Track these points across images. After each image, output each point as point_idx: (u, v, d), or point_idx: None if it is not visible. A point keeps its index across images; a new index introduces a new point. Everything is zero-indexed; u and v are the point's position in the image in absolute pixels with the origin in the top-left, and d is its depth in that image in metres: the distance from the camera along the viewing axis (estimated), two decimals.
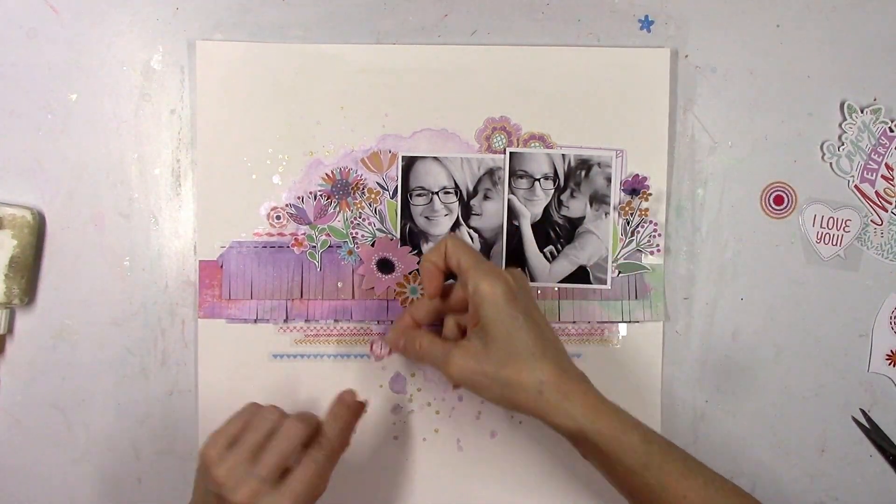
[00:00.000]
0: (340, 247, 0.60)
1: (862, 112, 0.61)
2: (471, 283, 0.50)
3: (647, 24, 0.61)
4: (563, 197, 0.60)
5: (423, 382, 0.61)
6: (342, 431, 0.51)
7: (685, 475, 0.49)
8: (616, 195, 0.61)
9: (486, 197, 0.60)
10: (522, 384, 0.48)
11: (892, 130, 0.61)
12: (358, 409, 0.53)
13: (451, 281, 0.55)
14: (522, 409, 0.49)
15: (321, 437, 0.50)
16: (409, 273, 0.60)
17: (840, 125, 0.61)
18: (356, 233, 0.60)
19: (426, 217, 0.60)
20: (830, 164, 0.62)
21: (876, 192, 0.62)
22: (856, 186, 0.62)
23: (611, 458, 0.49)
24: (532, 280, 0.60)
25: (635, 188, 0.61)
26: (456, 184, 0.60)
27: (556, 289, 0.61)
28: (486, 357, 0.49)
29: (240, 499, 0.46)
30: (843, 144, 0.61)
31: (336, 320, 0.60)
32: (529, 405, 0.49)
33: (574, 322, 0.61)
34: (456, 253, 0.51)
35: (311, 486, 0.48)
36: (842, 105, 0.61)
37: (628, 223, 0.61)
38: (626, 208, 0.61)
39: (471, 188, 0.60)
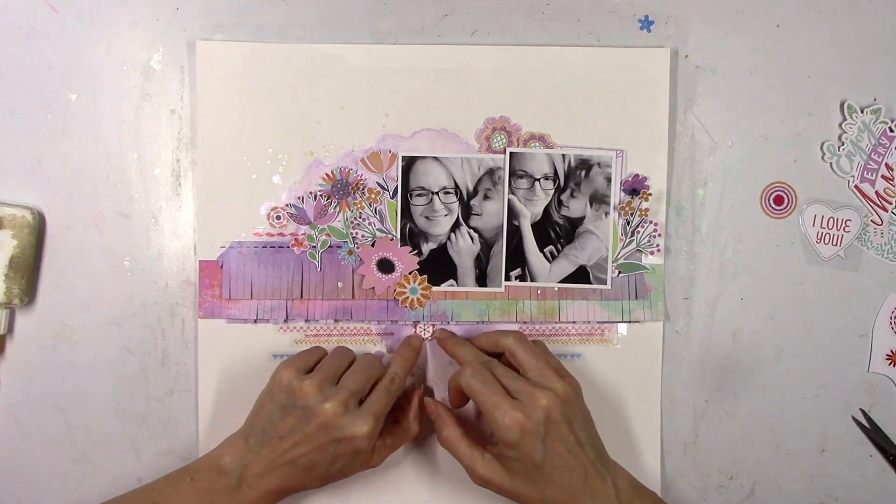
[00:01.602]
0: (340, 247, 0.60)
1: (862, 112, 0.61)
2: (489, 423, 0.51)
3: (647, 24, 0.61)
4: (563, 197, 0.60)
5: (424, 382, 0.61)
6: (408, 370, 0.56)
7: None
8: (616, 195, 0.61)
9: (486, 197, 0.60)
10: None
11: (892, 130, 0.61)
12: (419, 351, 0.59)
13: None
14: None
15: (393, 374, 0.55)
16: (409, 273, 0.60)
17: (840, 125, 0.61)
18: (356, 233, 0.60)
19: (426, 217, 0.60)
20: (830, 164, 0.62)
21: (876, 192, 0.62)
22: (856, 186, 0.62)
23: None
24: (532, 280, 0.60)
25: (635, 188, 0.61)
26: (456, 184, 0.60)
27: (556, 289, 0.61)
28: (508, 476, 0.52)
29: (330, 407, 0.50)
30: (843, 144, 0.61)
31: (336, 320, 0.60)
32: None
33: (574, 322, 0.61)
34: (471, 392, 0.52)
35: (385, 411, 0.53)
36: (842, 105, 0.61)
37: (628, 223, 0.61)
38: (626, 208, 0.61)
39: (471, 188, 0.60)
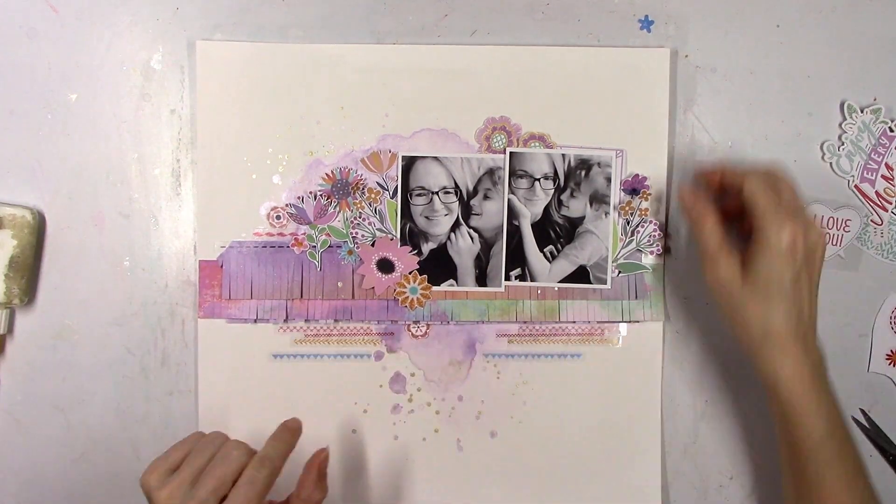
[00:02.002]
0: (340, 247, 0.60)
1: (862, 112, 0.61)
2: (762, 224, 0.51)
3: (647, 24, 0.60)
4: (563, 197, 0.60)
5: (424, 382, 0.61)
6: (283, 453, 0.50)
7: (848, 485, 0.51)
8: (616, 195, 0.61)
9: (486, 197, 0.60)
10: (752, 325, 0.52)
11: (892, 130, 0.61)
12: (298, 432, 0.52)
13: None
14: (740, 341, 0.53)
15: (262, 457, 0.49)
16: (409, 273, 0.60)
17: (840, 125, 0.61)
18: (356, 233, 0.60)
19: (426, 217, 0.60)
20: (830, 164, 0.62)
21: (876, 192, 0.62)
22: (856, 186, 0.62)
23: (787, 430, 0.52)
24: (532, 280, 0.60)
25: (635, 188, 0.61)
26: (456, 184, 0.60)
27: (556, 289, 0.61)
28: (742, 283, 0.52)
29: None
30: (843, 144, 0.61)
31: (336, 320, 0.60)
32: (745, 342, 0.53)
33: (574, 322, 0.61)
34: (754, 195, 0.52)
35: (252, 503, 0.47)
36: (842, 105, 0.61)
37: (628, 223, 0.61)
38: (626, 208, 0.61)
39: (471, 188, 0.60)
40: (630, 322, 0.61)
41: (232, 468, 0.48)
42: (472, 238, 0.60)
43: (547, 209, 0.60)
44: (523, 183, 0.60)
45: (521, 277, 0.60)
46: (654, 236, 0.61)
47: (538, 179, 0.60)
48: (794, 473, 0.53)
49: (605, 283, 0.61)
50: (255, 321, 0.60)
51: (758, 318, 0.51)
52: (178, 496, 0.46)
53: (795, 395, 0.51)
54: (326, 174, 0.59)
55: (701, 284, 0.61)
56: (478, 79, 0.60)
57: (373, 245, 0.60)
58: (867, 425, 0.62)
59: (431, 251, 0.60)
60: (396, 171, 0.60)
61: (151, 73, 0.59)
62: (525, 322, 0.61)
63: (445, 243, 0.60)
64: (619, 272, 0.61)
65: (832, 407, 0.52)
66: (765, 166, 0.55)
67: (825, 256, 0.53)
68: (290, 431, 0.52)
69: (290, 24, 0.59)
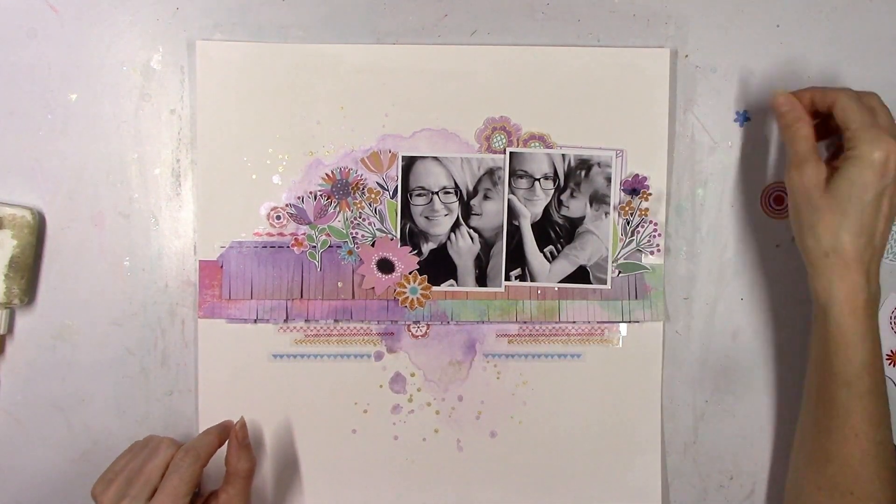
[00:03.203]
0: (340, 247, 0.60)
1: None
2: (855, 139, 0.50)
3: (742, 118, 0.60)
4: (563, 197, 0.60)
5: (424, 382, 0.61)
6: (208, 444, 0.53)
7: (873, 421, 0.51)
8: (616, 195, 0.61)
9: (486, 197, 0.60)
10: (821, 236, 0.51)
11: None
12: (229, 429, 0.55)
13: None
14: (804, 252, 0.53)
15: (187, 447, 0.52)
16: (409, 273, 0.60)
17: None
18: (356, 233, 0.60)
19: (426, 217, 0.60)
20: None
21: None
22: None
23: (826, 353, 0.52)
24: (532, 280, 0.60)
25: (635, 188, 0.61)
26: (456, 184, 0.60)
27: (556, 289, 0.61)
28: (822, 192, 0.51)
29: None
30: None
31: (336, 320, 0.60)
32: (810, 255, 0.52)
33: (574, 322, 0.61)
34: (846, 111, 0.51)
35: (177, 493, 0.50)
36: None
37: (628, 223, 0.61)
38: (626, 208, 0.61)
39: (471, 188, 0.60)
40: (630, 322, 0.61)
41: (159, 460, 0.52)
42: (472, 238, 0.60)
43: (547, 209, 0.60)
44: (523, 183, 0.60)
45: (521, 277, 0.60)
46: (654, 236, 0.61)
47: (538, 179, 0.60)
48: (821, 401, 0.53)
49: (605, 284, 0.61)
50: (255, 321, 0.60)
51: (829, 231, 0.50)
52: (116, 496, 0.50)
53: (846, 319, 0.50)
54: (326, 174, 0.59)
55: (701, 284, 0.62)
56: (478, 79, 0.60)
57: (373, 245, 0.60)
58: None
59: (431, 251, 0.60)
60: (396, 171, 0.60)
61: (151, 73, 0.59)
62: (525, 322, 0.61)
63: (445, 243, 0.60)
64: (619, 272, 0.61)
65: (876, 341, 0.51)
66: (859, 91, 0.54)
67: None
68: (220, 427, 0.55)
69: (290, 24, 0.59)
